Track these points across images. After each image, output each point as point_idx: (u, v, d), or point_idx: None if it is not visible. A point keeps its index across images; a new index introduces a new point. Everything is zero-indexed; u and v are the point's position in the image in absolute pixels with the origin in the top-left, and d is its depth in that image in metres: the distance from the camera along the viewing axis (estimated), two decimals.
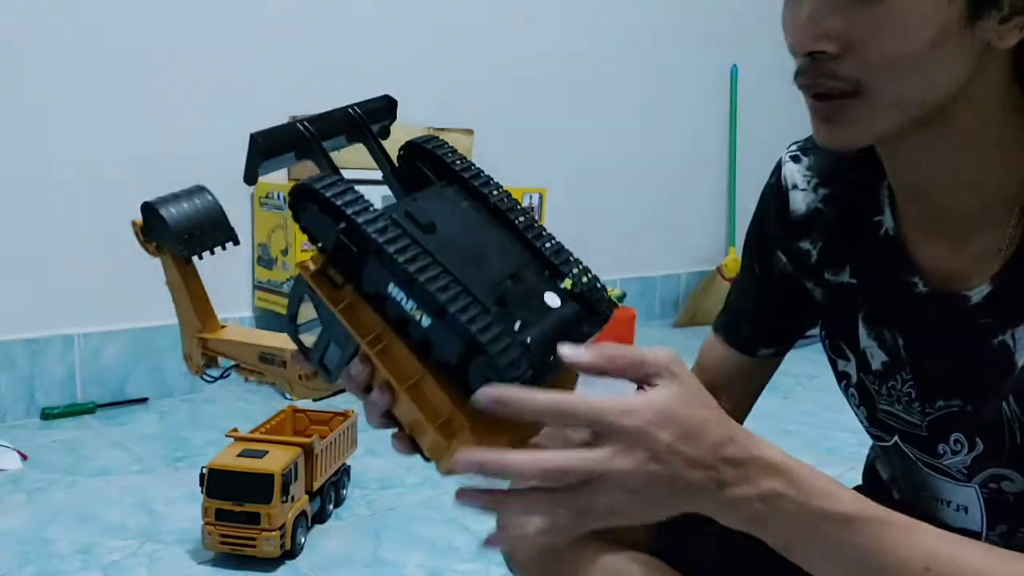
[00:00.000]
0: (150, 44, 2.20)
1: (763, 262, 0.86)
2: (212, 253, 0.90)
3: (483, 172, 0.60)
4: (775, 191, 0.83)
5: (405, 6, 2.67)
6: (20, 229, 2.07)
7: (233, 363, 0.87)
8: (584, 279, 0.57)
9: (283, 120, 2.21)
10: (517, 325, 0.52)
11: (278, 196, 2.30)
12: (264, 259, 2.39)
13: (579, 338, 0.55)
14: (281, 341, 0.85)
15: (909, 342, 0.74)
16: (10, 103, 2.02)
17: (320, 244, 0.55)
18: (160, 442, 1.98)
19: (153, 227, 0.80)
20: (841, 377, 0.82)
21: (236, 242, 0.86)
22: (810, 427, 1.73)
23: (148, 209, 0.80)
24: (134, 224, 0.86)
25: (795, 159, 0.82)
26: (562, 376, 0.56)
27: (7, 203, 2.04)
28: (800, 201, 0.81)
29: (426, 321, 0.51)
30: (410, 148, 0.61)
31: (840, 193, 0.78)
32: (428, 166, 0.61)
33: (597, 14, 3.19)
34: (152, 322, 2.26)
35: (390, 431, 0.58)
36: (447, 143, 0.61)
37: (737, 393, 0.90)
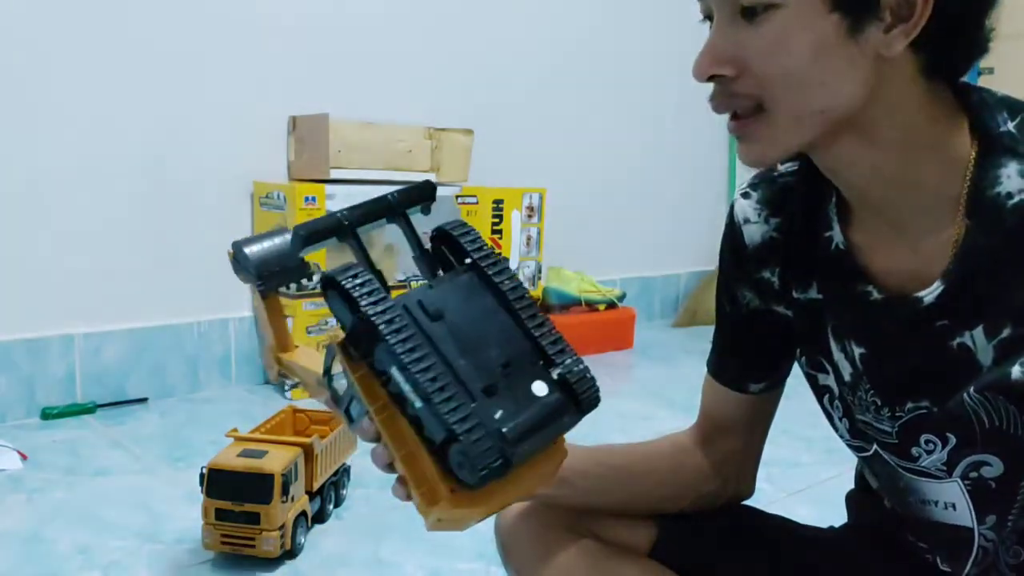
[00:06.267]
0: (150, 44, 2.20)
1: (732, 301, 0.88)
2: (288, 289, 1.00)
3: (500, 260, 0.66)
4: (729, 230, 0.86)
5: (405, 6, 2.67)
6: (20, 229, 2.07)
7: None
8: (575, 369, 0.62)
9: (283, 119, 2.21)
10: (498, 414, 0.58)
11: (278, 196, 2.30)
12: None
13: (559, 428, 0.60)
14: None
15: (868, 352, 0.75)
16: (10, 103, 2.02)
17: (342, 325, 0.64)
18: (160, 442, 1.98)
19: (238, 264, 0.90)
20: (822, 391, 0.83)
21: (310, 278, 0.98)
22: (810, 427, 1.73)
23: (235, 248, 0.90)
24: (229, 252, 0.97)
25: (745, 195, 0.85)
26: (547, 455, 0.63)
27: (7, 203, 2.04)
28: (755, 233, 0.83)
29: (418, 403, 0.59)
30: (439, 234, 0.69)
31: (791, 218, 0.80)
32: (453, 251, 0.68)
33: (597, 14, 3.19)
34: (152, 322, 2.27)
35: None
36: (473, 230, 0.68)
37: (743, 431, 0.92)
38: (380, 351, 0.61)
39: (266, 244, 0.94)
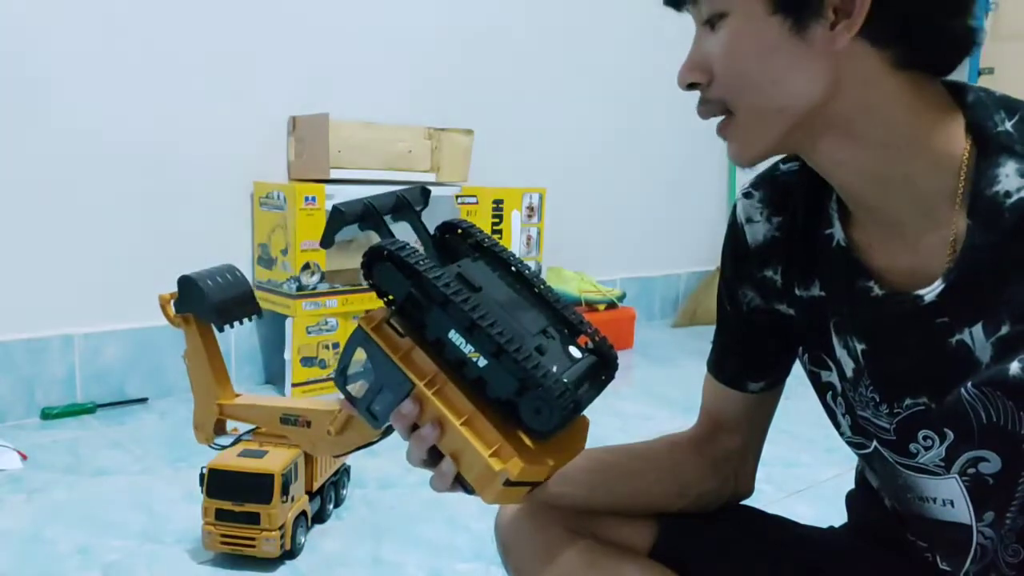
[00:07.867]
0: (150, 44, 2.20)
1: (732, 300, 0.88)
2: (241, 323, 0.97)
3: (507, 249, 0.72)
4: (731, 229, 0.87)
5: (405, 6, 2.67)
6: (20, 229, 2.07)
7: (246, 430, 0.94)
8: (598, 337, 0.67)
9: (283, 119, 2.20)
10: (555, 368, 0.62)
11: (278, 196, 2.30)
12: (264, 259, 2.39)
13: (599, 383, 0.66)
14: (296, 403, 0.93)
15: (868, 348, 0.76)
16: (10, 103, 2.02)
17: (390, 297, 0.66)
18: (160, 442, 1.98)
19: (188, 299, 0.87)
20: (825, 389, 0.83)
21: (260, 315, 0.98)
22: (810, 427, 1.73)
23: (187, 282, 0.88)
24: (162, 297, 0.93)
25: (747, 195, 0.86)
26: (579, 422, 0.67)
27: (7, 203, 2.04)
28: (757, 232, 0.84)
29: (482, 362, 0.61)
30: (445, 227, 0.72)
31: (793, 217, 0.81)
32: (460, 241, 0.72)
33: (597, 14, 3.19)
34: (152, 322, 2.26)
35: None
36: (475, 225, 0.73)
37: (743, 430, 0.92)
38: (436, 316, 0.63)
39: (220, 279, 0.93)
